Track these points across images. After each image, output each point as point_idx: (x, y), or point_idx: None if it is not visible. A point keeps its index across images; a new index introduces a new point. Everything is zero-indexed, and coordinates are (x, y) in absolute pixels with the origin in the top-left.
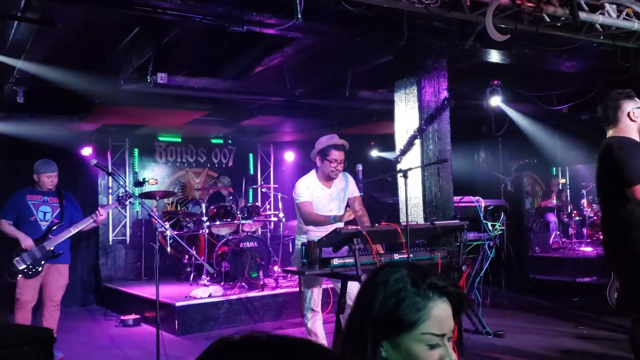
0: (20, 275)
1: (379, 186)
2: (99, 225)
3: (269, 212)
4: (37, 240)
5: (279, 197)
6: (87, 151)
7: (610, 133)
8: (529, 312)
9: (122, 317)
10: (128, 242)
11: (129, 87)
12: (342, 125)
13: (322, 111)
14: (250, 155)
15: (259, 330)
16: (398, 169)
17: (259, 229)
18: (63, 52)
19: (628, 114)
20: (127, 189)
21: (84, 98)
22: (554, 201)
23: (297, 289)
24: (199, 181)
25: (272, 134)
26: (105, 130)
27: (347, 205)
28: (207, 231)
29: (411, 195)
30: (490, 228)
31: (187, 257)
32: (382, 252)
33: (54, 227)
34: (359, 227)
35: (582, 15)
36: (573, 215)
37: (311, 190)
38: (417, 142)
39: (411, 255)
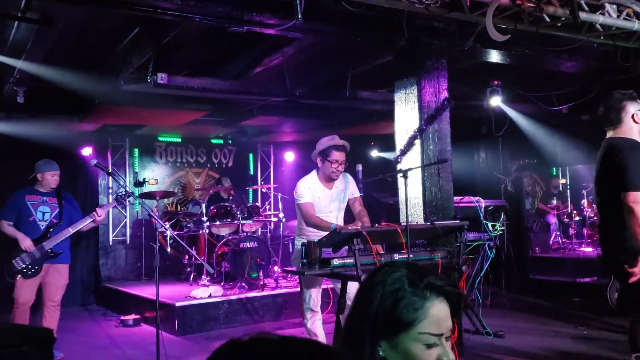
0: (19, 276)
1: (379, 186)
2: (98, 225)
3: (269, 212)
4: (36, 240)
5: (279, 197)
6: (87, 151)
7: (610, 134)
8: (529, 313)
9: (122, 317)
10: (128, 242)
11: (129, 87)
12: (342, 125)
13: (322, 111)
14: (250, 156)
15: (267, 331)
16: (398, 169)
17: (259, 229)
18: (63, 52)
19: (632, 116)
20: (127, 189)
21: (84, 98)
22: (554, 201)
23: (297, 289)
24: (199, 181)
25: (272, 134)
26: (106, 131)
27: (349, 213)
28: (207, 231)
29: (411, 195)
30: (491, 228)
31: (187, 257)
32: (382, 252)
33: (53, 227)
34: (359, 228)
35: (582, 15)
36: (573, 215)
37: (312, 191)
38: (417, 142)
39: (411, 256)
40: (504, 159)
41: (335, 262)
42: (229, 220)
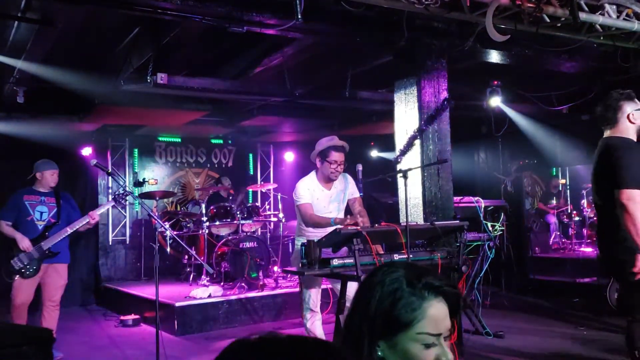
0: (17, 276)
1: (378, 186)
2: (96, 225)
3: (268, 213)
4: (34, 240)
5: (279, 197)
6: (87, 151)
7: (608, 133)
8: (529, 313)
9: (122, 317)
10: (128, 242)
11: (129, 87)
12: (342, 125)
13: (322, 111)
14: (250, 156)
15: (275, 331)
16: (398, 169)
17: (259, 229)
18: (63, 52)
19: (628, 116)
20: (127, 188)
21: (84, 98)
22: (553, 201)
23: (297, 289)
24: (199, 181)
25: (272, 134)
26: (105, 131)
27: (348, 212)
28: (206, 231)
29: (411, 195)
30: (490, 228)
31: (186, 257)
32: (382, 252)
33: (51, 227)
34: (358, 228)
35: (582, 15)
36: (573, 215)
37: (311, 192)
38: (417, 142)
39: (411, 256)
40: (503, 159)
41: (335, 262)
42: (229, 220)
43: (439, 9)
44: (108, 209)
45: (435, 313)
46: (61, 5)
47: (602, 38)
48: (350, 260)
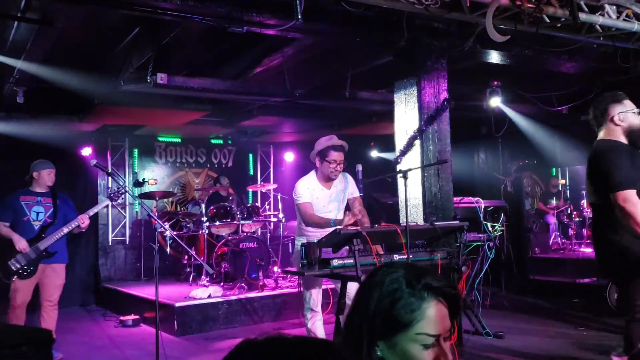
0: (15, 277)
1: (378, 187)
2: (85, 230)
3: (268, 213)
4: (31, 240)
5: (279, 197)
6: (86, 151)
7: (600, 135)
8: (528, 313)
9: (122, 318)
10: (127, 243)
11: (129, 87)
12: (341, 125)
13: (322, 112)
14: (250, 156)
15: (281, 332)
16: (398, 169)
17: (259, 229)
18: (63, 52)
19: (612, 118)
20: (127, 189)
21: (84, 98)
22: (553, 202)
23: (297, 290)
24: (199, 181)
25: (271, 135)
26: (105, 131)
27: (348, 209)
28: (206, 231)
29: (411, 195)
30: (490, 229)
31: (186, 257)
32: (382, 252)
33: (47, 227)
34: (358, 228)
35: (582, 16)
36: (573, 216)
37: (311, 191)
38: (417, 142)
39: (411, 256)
40: (503, 160)
41: (335, 262)
42: (229, 220)
43: (439, 10)
44: (108, 209)
45: (434, 314)
46: (61, 5)
47: (602, 38)
48: (350, 261)
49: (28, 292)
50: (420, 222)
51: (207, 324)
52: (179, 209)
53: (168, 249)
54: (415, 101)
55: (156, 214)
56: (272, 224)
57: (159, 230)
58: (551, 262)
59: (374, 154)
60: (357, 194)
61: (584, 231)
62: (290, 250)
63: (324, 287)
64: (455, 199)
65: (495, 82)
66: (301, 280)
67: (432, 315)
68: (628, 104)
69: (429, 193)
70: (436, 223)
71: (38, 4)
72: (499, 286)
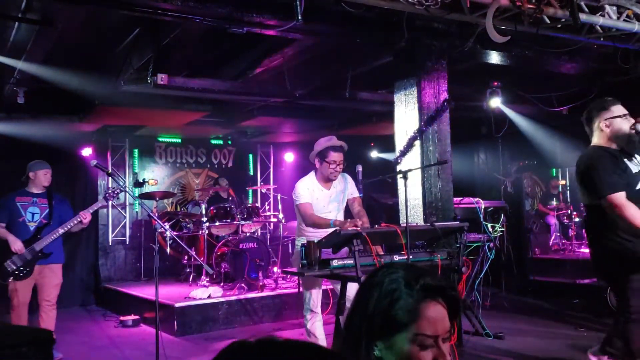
0: (11, 278)
1: (378, 187)
2: (86, 226)
3: (268, 213)
4: (26, 241)
5: (279, 197)
6: (87, 152)
7: (592, 141)
8: (529, 314)
9: (122, 318)
10: (127, 243)
11: (129, 87)
12: (341, 126)
13: (322, 112)
14: (250, 156)
15: (273, 335)
16: (398, 170)
17: (259, 229)
18: (63, 52)
19: (599, 125)
20: (127, 189)
21: (84, 99)
22: (553, 202)
23: (297, 290)
24: (199, 182)
25: (271, 135)
26: (105, 131)
27: (348, 212)
28: (206, 232)
29: (411, 196)
30: (490, 229)
31: (186, 257)
32: (382, 253)
33: (43, 228)
34: (358, 229)
35: (582, 16)
36: (573, 216)
37: (310, 192)
38: (417, 143)
39: (411, 257)
40: (503, 160)
41: (335, 263)
42: (229, 220)
43: (439, 10)
44: (108, 210)
45: (433, 315)
46: (61, 5)
47: (602, 39)
48: (350, 261)
49: (27, 292)
50: (420, 222)
51: (207, 324)
52: (179, 209)
53: (168, 249)
54: (415, 102)
55: (156, 215)
56: (272, 224)
57: (159, 230)
58: (551, 262)
59: (374, 154)
60: (356, 194)
61: (584, 232)
62: (290, 250)
63: (323, 287)
64: (455, 199)
65: (496, 83)
66: (301, 280)
67: (430, 316)
68: (615, 110)
69: (429, 194)
70: (436, 224)
71: (38, 5)
72: (499, 287)
